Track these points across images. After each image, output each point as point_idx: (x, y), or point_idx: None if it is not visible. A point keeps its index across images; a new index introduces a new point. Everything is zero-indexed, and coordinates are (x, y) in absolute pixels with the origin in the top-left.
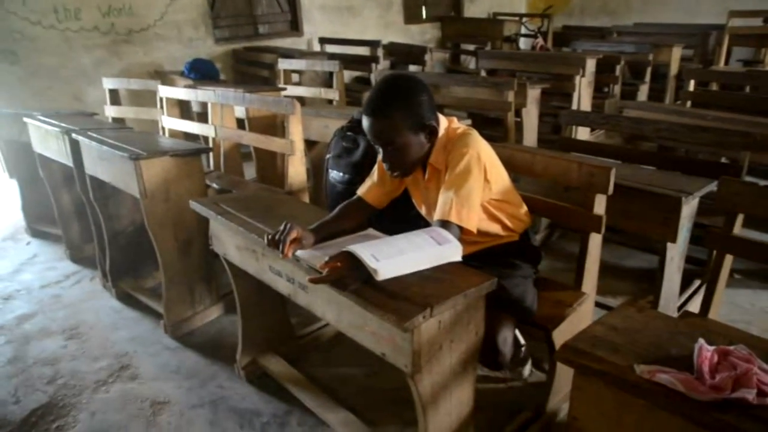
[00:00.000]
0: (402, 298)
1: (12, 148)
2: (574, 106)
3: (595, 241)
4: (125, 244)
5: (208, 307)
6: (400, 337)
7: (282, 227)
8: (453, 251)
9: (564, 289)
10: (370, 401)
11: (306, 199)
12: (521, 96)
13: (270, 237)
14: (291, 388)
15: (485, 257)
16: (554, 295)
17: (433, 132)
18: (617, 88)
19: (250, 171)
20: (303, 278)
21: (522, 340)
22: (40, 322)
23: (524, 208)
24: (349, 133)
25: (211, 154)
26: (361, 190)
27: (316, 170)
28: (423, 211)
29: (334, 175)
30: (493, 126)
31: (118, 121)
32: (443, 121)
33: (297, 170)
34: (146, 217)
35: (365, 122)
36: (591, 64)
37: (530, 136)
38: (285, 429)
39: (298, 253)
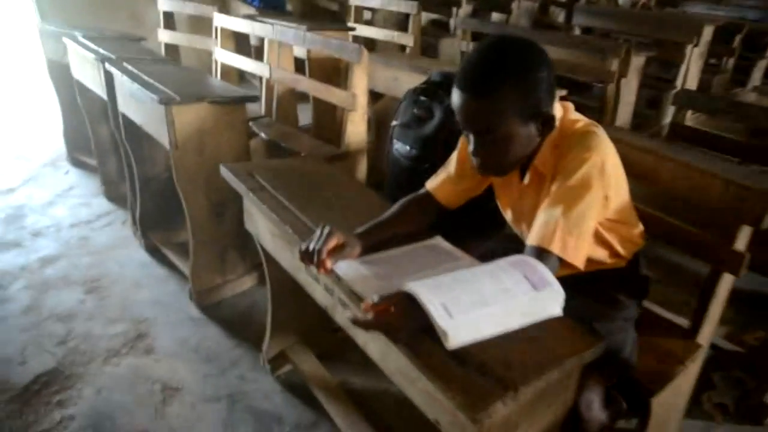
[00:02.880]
0: (474, 364)
1: (56, 68)
2: (680, 80)
3: (727, 282)
4: (158, 191)
5: (241, 277)
6: None
7: (318, 232)
8: (553, 301)
9: (672, 334)
10: (410, 424)
11: (364, 163)
12: (624, 64)
13: (303, 248)
14: (320, 396)
15: (579, 284)
16: (660, 342)
17: (548, 123)
18: (731, 63)
19: (305, 115)
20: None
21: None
22: (63, 268)
23: (640, 228)
24: (423, 98)
25: (263, 96)
26: (431, 184)
27: (379, 126)
28: (509, 217)
29: (399, 147)
30: (579, 92)
31: (171, 48)
32: (558, 109)
33: (357, 128)
34: (175, 171)
35: (457, 99)
36: (708, 32)
37: (625, 112)
38: None
39: (339, 267)
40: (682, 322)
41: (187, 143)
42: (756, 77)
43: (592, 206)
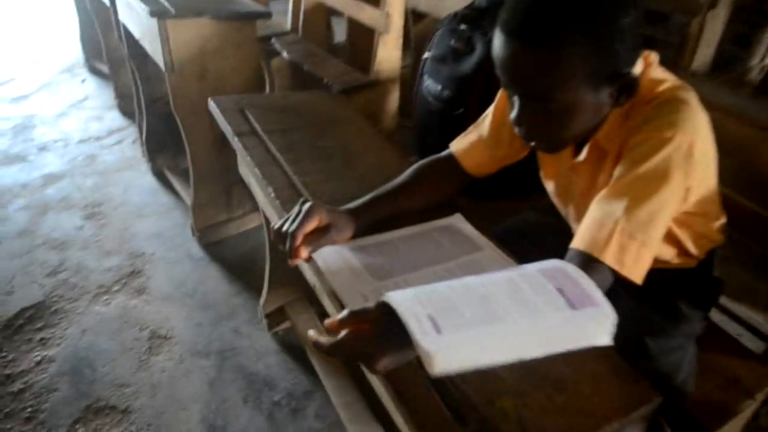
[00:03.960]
0: (475, 421)
1: None
2: None
3: None
4: (166, 113)
5: (248, 213)
6: None
7: (297, 208)
8: (599, 325)
9: (737, 354)
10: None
11: (396, 93)
12: None
13: (276, 227)
14: (316, 365)
15: (630, 285)
16: (723, 363)
17: (629, 88)
18: None
19: (341, 30)
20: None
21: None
22: (65, 188)
23: (721, 221)
24: (462, 27)
25: (290, 8)
26: (457, 145)
27: (419, 52)
28: (551, 189)
29: (430, 84)
30: (651, 24)
31: None
32: (638, 65)
33: (389, 54)
34: (172, 98)
35: (500, 46)
36: None
37: (706, 53)
38: (297, 419)
39: (321, 256)
40: (760, 323)
41: (186, 66)
42: None
43: (668, 204)
